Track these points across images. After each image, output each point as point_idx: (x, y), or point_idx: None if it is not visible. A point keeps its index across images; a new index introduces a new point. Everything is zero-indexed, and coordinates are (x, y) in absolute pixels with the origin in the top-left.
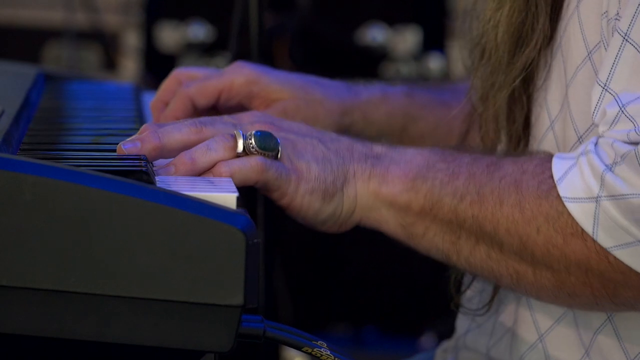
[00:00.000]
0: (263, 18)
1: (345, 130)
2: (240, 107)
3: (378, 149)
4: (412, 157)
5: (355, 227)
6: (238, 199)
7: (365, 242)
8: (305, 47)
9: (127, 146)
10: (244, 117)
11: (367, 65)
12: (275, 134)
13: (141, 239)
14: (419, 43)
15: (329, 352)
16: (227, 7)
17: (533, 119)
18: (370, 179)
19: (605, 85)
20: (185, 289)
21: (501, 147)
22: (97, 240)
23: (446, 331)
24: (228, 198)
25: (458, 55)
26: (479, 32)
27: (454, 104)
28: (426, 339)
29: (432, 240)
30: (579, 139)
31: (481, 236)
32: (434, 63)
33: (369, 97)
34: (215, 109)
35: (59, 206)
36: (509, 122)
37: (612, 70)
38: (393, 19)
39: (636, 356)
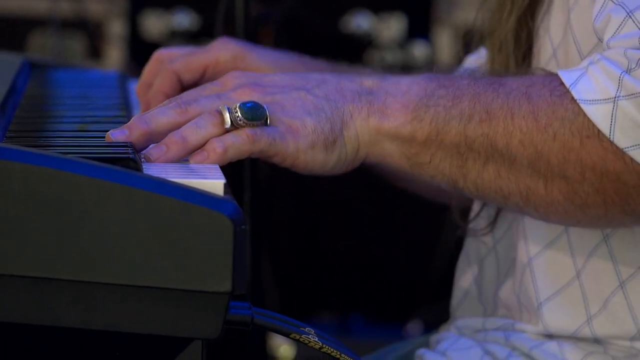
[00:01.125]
0: (249, 6)
1: None
2: None
3: (368, 82)
4: (409, 87)
5: (338, 216)
6: (225, 185)
7: (350, 229)
8: (291, 34)
9: (116, 134)
10: (227, 81)
11: (352, 52)
12: (261, 97)
13: (128, 226)
14: (404, 30)
15: (316, 339)
16: None
17: (536, 48)
18: (369, 116)
19: None
20: (172, 276)
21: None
22: (84, 228)
23: (432, 318)
24: (215, 185)
25: (443, 43)
26: None
27: None
28: (412, 326)
29: (437, 167)
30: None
31: (491, 154)
32: (419, 50)
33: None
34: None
35: (46, 194)
36: (517, 47)
37: None
38: (378, 7)
39: (628, 277)
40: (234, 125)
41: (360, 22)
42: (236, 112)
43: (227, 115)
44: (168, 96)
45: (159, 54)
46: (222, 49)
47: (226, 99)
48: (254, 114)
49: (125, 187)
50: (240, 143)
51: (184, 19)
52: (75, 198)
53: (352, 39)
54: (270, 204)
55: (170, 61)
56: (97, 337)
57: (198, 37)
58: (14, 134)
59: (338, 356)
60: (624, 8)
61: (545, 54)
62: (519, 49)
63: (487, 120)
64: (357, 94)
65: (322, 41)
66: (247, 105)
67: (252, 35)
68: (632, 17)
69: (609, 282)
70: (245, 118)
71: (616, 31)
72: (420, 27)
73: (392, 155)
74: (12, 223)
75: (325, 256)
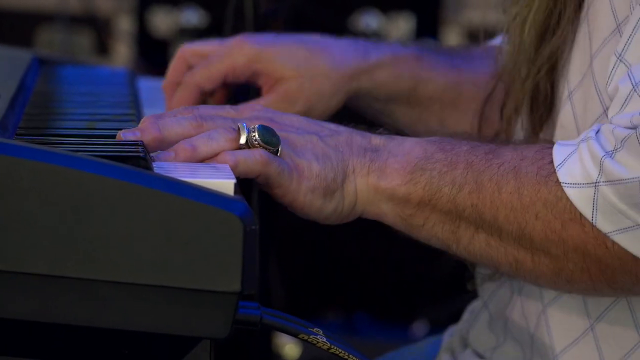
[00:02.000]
0: (258, 3)
1: (353, 93)
2: (248, 85)
3: (376, 140)
4: (410, 149)
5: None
6: (236, 185)
7: (357, 229)
8: (299, 32)
9: (127, 135)
10: (245, 111)
11: None
12: (276, 131)
13: (138, 224)
14: (412, 30)
15: (325, 339)
16: None
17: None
18: (369, 173)
19: (620, 56)
20: (182, 275)
21: (520, 122)
22: (93, 226)
23: (439, 318)
24: (226, 184)
25: (451, 42)
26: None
27: (464, 69)
28: (418, 326)
29: (431, 230)
30: (604, 111)
31: (480, 224)
32: None
33: (378, 59)
34: (225, 86)
35: (56, 191)
36: (532, 109)
37: (629, 41)
38: (386, 6)
39: None
40: (248, 145)
41: (368, 21)
42: (253, 132)
43: (243, 134)
44: None
45: (185, 51)
46: (238, 54)
47: (242, 122)
48: (270, 138)
49: (135, 185)
50: (252, 161)
51: (192, 16)
52: (84, 196)
53: (360, 37)
54: (277, 203)
55: (190, 75)
56: (106, 335)
57: (206, 34)
58: (24, 131)
59: (346, 357)
60: (631, 80)
61: (560, 96)
62: (534, 110)
63: (476, 191)
64: (363, 150)
65: None
66: (265, 128)
67: (261, 32)
68: (637, 91)
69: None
70: (261, 140)
71: (621, 107)
72: (428, 27)
73: (387, 215)
74: (21, 220)
75: (331, 255)
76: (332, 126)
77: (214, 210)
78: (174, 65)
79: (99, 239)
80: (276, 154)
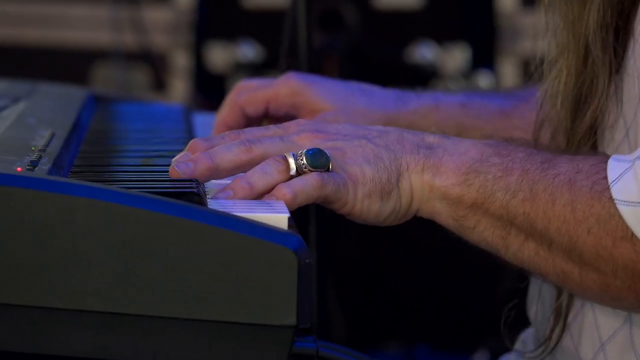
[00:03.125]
0: (312, 37)
1: None
2: (289, 117)
3: (430, 138)
4: (467, 149)
5: (403, 245)
6: (289, 219)
7: (416, 259)
8: (355, 65)
9: (180, 167)
10: (291, 127)
11: (417, 83)
12: (322, 143)
13: (193, 260)
14: (468, 61)
15: None
16: (276, 27)
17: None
18: (424, 170)
19: None
20: (237, 310)
21: None
22: (149, 262)
23: (499, 348)
24: (279, 218)
25: (507, 73)
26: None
27: (514, 115)
28: (479, 356)
29: (482, 233)
30: None
31: (531, 233)
32: (483, 80)
33: (418, 107)
34: (267, 117)
35: (111, 228)
36: (604, 49)
37: None
38: (442, 37)
39: None
40: (299, 172)
41: (424, 52)
42: (301, 158)
43: (292, 162)
44: (230, 128)
45: (238, 86)
46: (283, 85)
47: (289, 142)
48: (318, 161)
49: (190, 221)
50: (309, 188)
51: (248, 51)
52: (140, 233)
53: (416, 69)
54: (335, 235)
55: (237, 94)
56: None
57: (263, 68)
58: (79, 169)
59: None
60: None
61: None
62: (605, 50)
63: (530, 200)
64: (416, 147)
65: (387, 72)
66: (311, 152)
67: (316, 66)
68: None
69: None
70: (310, 165)
71: None
72: (484, 57)
73: (440, 214)
74: (77, 258)
75: (390, 286)
76: (380, 127)
77: (269, 245)
78: (227, 100)
79: (155, 275)
80: (328, 170)
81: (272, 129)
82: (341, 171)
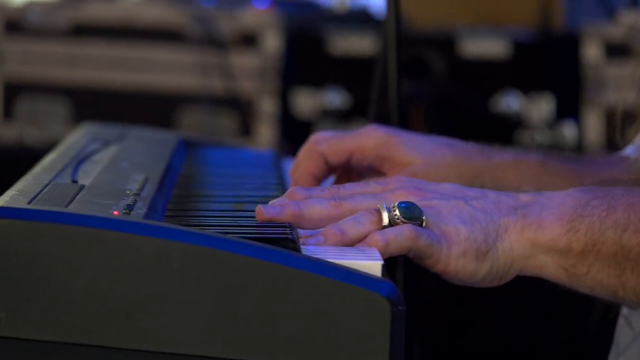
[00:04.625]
0: (402, 85)
1: None
2: (371, 169)
3: (524, 197)
4: (563, 200)
5: (489, 295)
6: (383, 266)
7: (504, 306)
8: (441, 114)
9: (267, 209)
10: (390, 182)
11: (502, 132)
12: (419, 200)
13: (287, 305)
14: (552, 111)
15: None
16: (363, 74)
17: None
18: (524, 229)
19: None
20: (330, 357)
21: None
22: (244, 307)
23: None
24: (373, 266)
25: (592, 123)
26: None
27: (588, 177)
28: None
29: (595, 277)
30: None
31: None
32: (568, 131)
33: (501, 161)
34: (348, 168)
35: (206, 273)
36: None
37: None
38: (527, 87)
39: None
40: (391, 224)
41: (509, 102)
42: (394, 210)
43: (385, 214)
44: (314, 177)
45: (313, 138)
46: (368, 136)
47: (382, 199)
48: (411, 214)
49: (284, 267)
50: (402, 238)
51: (335, 97)
52: (234, 277)
53: (501, 119)
54: (421, 282)
55: (318, 143)
56: None
57: (349, 115)
58: (173, 213)
59: None
60: None
61: None
62: None
63: None
64: (513, 209)
65: (472, 121)
66: (404, 205)
67: (403, 113)
68: None
69: None
70: (402, 217)
71: None
72: (569, 108)
73: (548, 267)
74: (172, 302)
75: (477, 333)
76: (478, 190)
77: (362, 292)
78: (303, 152)
79: (249, 320)
80: (421, 226)
81: (372, 185)
82: (435, 228)
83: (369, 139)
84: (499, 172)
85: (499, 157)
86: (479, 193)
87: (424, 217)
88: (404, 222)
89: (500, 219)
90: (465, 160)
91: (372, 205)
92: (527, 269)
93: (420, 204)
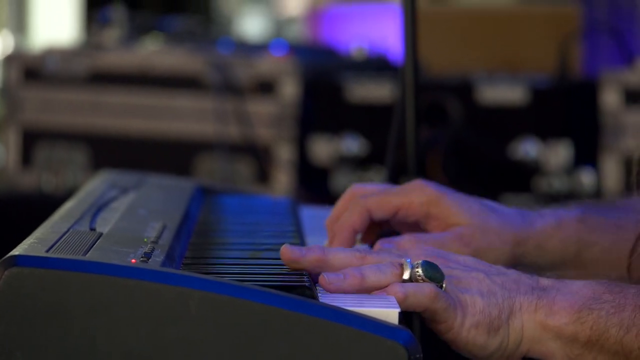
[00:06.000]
0: (419, 131)
1: (517, 259)
2: (415, 226)
3: (545, 281)
4: (579, 289)
5: None
6: (400, 314)
7: None
8: (458, 160)
9: (292, 249)
10: (412, 250)
11: (520, 179)
12: (442, 267)
13: (305, 353)
14: (570, 157)
15: None
16: (380, 121)
17: None
18: (537, 310)
19: None
20: None
21: None
22: (261, 354)
23: None
24: (390, 313)
25: (610, 170)
26: None
27: (627, 226)
28: None
29: None
30: None
31: None
32: (586, 178)
33: (543, 227)
34: (388, 224)
35: (224, 320)
36: None
37: None
38: (545, 134)
39: None
40: (411, 280)
41: (527, 148)
42: (417, 267)
43: (407, 269)
44: (356, 230)
45: (354, 189)
46: (418, 193)
47: (406, 256)
48: (433, 274)
49: (302, 315)
50: (422, 295)
51: (352, 144)
52: (252, 324)
53: (519, 166)
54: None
55: (363, 196)
56: None
57: (366, 162)
58: (190, 261)
59: None
60: None
61: None
62: None
63: None
64: (531, 289)
65: (490, 167)
66: (428, 263)
67: (421, 160)
68: None
69: None
70: (425, 275)
71: None
72: (587, 154)
73: (554, 354)
74: (190, 349)
75: None
76: (501, 268)
77: (380, 340)
78: (342, 202)
79: None
80: (440, 289)
81: (393, 251)
82: (453, 295)
83: (419, 195)
84: (542, 237)
85: (541, 222)
86: (501, 269)
87: (445, 281)
88: (424, 281)
89: (516, 297)
90: (508, 226)
91: (396, 260)
92: (535, 352)
93: (443, 268)
